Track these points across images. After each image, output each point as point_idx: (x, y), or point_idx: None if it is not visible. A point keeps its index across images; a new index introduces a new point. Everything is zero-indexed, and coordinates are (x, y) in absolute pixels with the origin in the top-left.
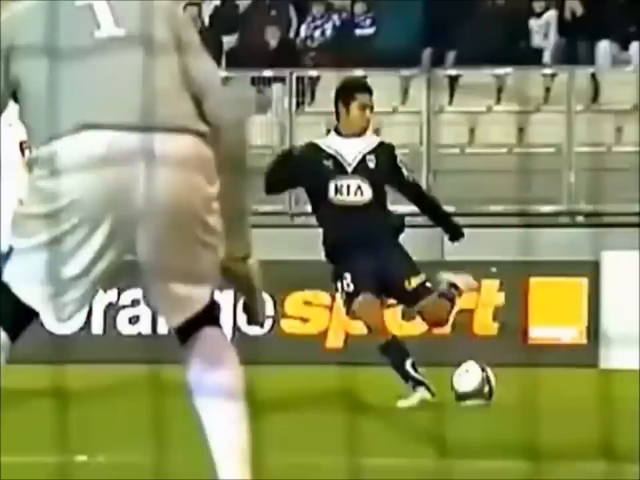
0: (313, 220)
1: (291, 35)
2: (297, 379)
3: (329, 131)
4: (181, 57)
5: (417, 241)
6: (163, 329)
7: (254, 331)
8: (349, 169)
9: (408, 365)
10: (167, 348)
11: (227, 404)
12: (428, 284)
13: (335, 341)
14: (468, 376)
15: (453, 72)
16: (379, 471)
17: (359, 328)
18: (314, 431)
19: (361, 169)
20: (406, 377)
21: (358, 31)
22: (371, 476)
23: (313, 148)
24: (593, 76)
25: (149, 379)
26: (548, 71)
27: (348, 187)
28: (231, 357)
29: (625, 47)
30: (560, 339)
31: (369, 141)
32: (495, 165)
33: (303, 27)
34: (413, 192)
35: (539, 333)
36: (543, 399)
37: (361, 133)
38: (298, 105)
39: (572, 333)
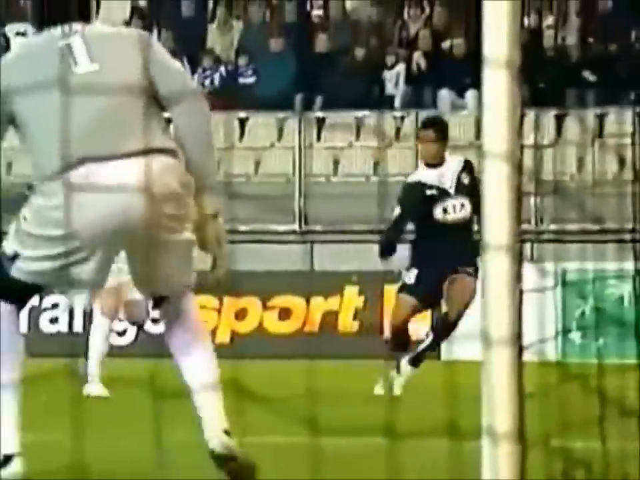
0: None
1: None
2: None
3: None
4: (151, 83)
5: (290, 253)
6: (78, 328)
7: (157, 329)
8: (451, 191)
9: (404, 361)
10: (82, 344)
11: (196, 344)
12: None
13: (222, 337)
14: None
15: (321, 114)
16: (261, 447)
17: (243, 327)
18: None
19: (459, 188)
20: (396, 365)
21: (241, 80)
22: (255, 450)
23: (415, 186)
24: None
25: (66, 370)
26: (398, 113)
27: (454, 206)
28: (195, 313)
29: (461, 94)
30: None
31: (457, 161)
32: (356, 191)
33: (195, 77)
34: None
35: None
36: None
37: (436, 164)
38: None
39: (419, 330)
